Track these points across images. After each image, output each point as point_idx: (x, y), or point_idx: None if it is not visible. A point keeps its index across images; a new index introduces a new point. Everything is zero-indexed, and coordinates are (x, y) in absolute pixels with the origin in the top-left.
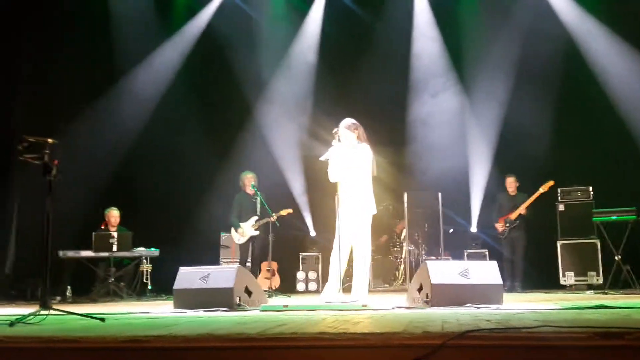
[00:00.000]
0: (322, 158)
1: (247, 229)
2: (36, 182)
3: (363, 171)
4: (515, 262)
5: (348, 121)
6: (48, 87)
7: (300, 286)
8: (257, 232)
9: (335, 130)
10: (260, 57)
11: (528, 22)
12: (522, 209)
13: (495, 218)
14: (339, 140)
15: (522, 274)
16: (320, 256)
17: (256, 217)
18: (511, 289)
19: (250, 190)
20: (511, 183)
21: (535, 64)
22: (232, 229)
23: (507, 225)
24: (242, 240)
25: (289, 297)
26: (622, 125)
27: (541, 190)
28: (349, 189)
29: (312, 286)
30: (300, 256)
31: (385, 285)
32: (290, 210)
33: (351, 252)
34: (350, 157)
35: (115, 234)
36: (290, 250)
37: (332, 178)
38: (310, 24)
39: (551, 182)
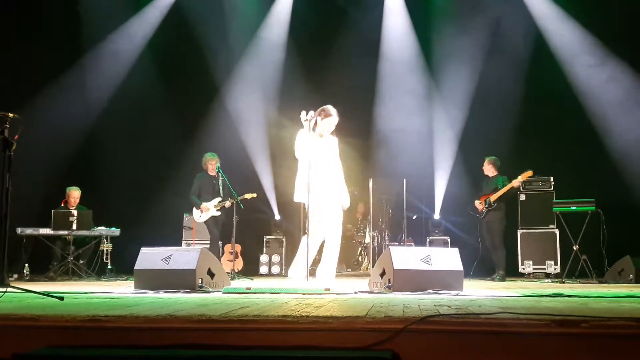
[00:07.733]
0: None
1: (210, 207)
2: None
3: (338, 161)
4: (496, 250)
5: (333, 109)
6: (10, 60)
7: (263, 269)
8: (219, 213)
9: (310, 114)
10: (230, 36)
11: (498, 13)
12: (496, 195)
13: (475, 198)
14: (315, 123)
15: (504, 262)
16: (284, 240)
17: (219, 199)
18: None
19: (212, 172)
20: (484, 166)
21: (503, 54)
22: (194, 208)
23: (486, 206)
24: (203, 218)
25: (252, 279)
26: (585, 118)
27: (520, 179)
28: (325, 177)
29: (275, 269)
30: (264, 239)
31: (348, 270)
32: (255, 195)
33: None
34: (326, 145)
35: (75, 212)
36: (254, 233)
37: (301, 154)
38: (282, 3)
39: (530, 172)
